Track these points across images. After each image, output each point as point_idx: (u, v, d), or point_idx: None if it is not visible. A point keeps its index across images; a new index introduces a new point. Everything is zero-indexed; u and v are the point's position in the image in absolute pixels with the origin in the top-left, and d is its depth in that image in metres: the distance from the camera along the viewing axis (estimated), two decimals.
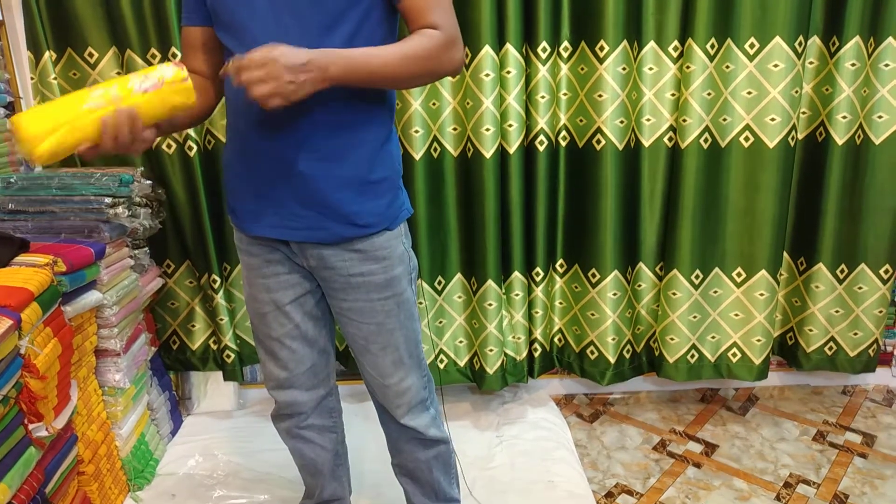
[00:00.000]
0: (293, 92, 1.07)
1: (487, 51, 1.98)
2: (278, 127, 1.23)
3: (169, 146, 2.10)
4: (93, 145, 1.09)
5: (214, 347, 2.31)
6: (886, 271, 2.20)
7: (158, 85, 1.13)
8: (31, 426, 1.51)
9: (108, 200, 1.85)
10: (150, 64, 2.02)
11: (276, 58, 1.05)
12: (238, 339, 2.31)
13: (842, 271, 2.22)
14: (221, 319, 2.24)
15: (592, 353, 2.30)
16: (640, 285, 2.23)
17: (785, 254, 2.26)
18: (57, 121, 1.06)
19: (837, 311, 2.26)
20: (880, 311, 2.24)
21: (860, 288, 2.22)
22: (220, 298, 2.22)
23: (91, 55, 2.06)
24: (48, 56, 2.05)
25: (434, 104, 2.08)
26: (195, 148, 2.09)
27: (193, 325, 2.31)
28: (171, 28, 1.98)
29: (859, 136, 2.09)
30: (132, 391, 1.98)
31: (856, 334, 2.27)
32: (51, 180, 1.88)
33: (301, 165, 1.23)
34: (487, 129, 2.04)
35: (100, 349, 1.87)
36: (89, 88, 1.10)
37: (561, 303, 2.30)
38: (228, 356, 2.28)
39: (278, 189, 1.27)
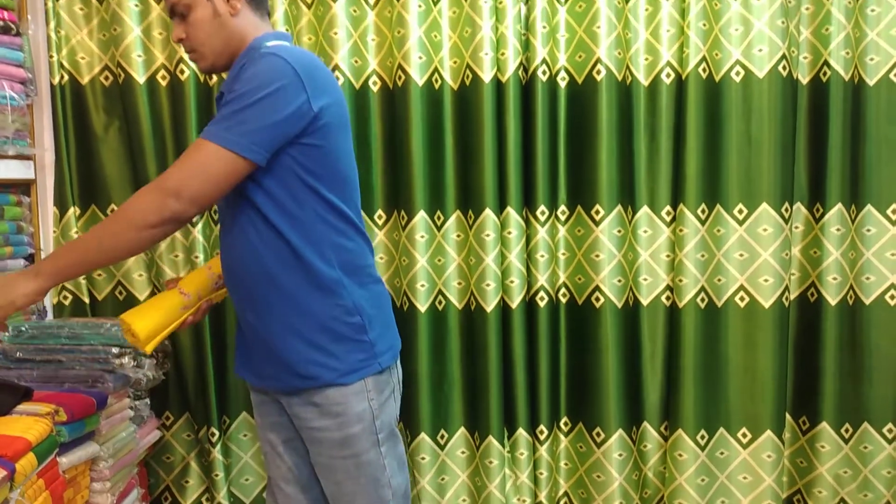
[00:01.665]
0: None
1: (489, 213, 2.09)
2: (228, 276, 1.35)
3: None
4: None
5: None
6: (890, 430, 2.17)
7: (220, 280, 1.45)
8: None
9: (115, 350, 1.87)
10: None
11: None
12: (232, 496, 2.23)
13: (846, 430, 2.19)
14: (217, 475, 2.19)
15: None
16: (645, 446, 2.19)
17: (787, 414, 2.24)
18: (163, 324, 1.38)
19: (846, 472, 2.20)
20: (888, 472, 2.18)
21: (865, 447, 2.18)
22: (216, 453, 2.18)
23: (113, 210, 2.17)
24: (72, 211, 2.16)
25: (439, 260, 2.16)
26: None
27: (187, 481, 2.24)
28: None
29: (851, 297, 2.15)
30: None
31: (866, 496, 2.20)
32: (61, 329, 1.92)
33: (248, 315, 1.33)
34: (488, 285, 2.11)
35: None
36: (178, 287, 1.42)
37: (566, 463, 2.25)
38: None
39: (247, 338, 1.37)
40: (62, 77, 2.14)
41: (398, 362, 1.42)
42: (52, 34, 2.11)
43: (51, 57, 2.12)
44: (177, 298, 1.40)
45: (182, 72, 2.09)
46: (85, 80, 2.15)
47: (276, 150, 1.21)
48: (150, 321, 1.36)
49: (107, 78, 2.16)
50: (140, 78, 2.11)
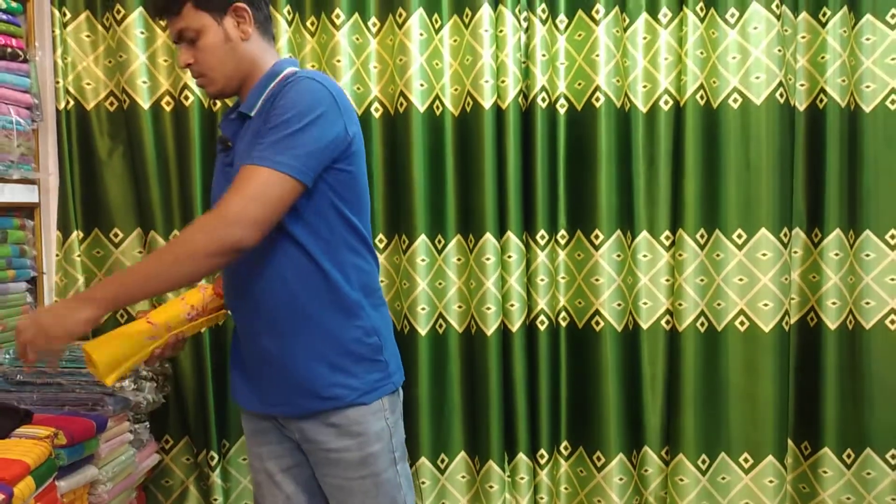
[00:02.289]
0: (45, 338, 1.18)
1: (489, 237, 2.11)
2: (245, 303, 1.32)
3: None
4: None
5: None
6: (893, 456, 2.16)
7: (203, 313, 1.39)
8: None
9: None
10: None
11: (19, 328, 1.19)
12: None
13: (848, 456, 2.18)
14: (216, 499, 2.17)
15: None
16: (646, 470, 2.18)
17: (788, 439, 2.23)
18: (125, 355, 1.28)
19: (849, 499, 2.19)
20: (893, 499, 2.17)
21: (868, 473, 2.17)
22: (216, 477, 2.17)
23: (116, 235, 2.19)
24: (76, 235, 2.18)
25: (440, 284, 2.17)
26: None
27: None
28: (195, 211, 2.12)
29: (851, 322, 2.15)
30: None
31: None
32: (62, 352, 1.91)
33: (264, 341, 1.30)
34: (489, 308, 2.11)
35: None
36: (146, 316, 1.33)
37: (567, 488, 2.24)
38: None
39: (254, 363, 1.34)
40: (68, 102, 2.16)
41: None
42: (59, 60, 2.14)
43: (57, 83, 2.15)
44: (143, 327, 1.32)
45: (186, 98, 2.12)
46: (90, 105, 2.18)
47: (318, 174, 1.23)
48: (112, 351, 1.27)
49: (112, 103, 2.19)
50: (145, 104, 2.14)
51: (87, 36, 2.17)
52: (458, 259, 2.16)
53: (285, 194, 1.19)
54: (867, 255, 2.12)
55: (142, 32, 2.13)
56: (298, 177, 1.19)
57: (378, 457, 1.31)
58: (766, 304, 2.11)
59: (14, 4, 2.00)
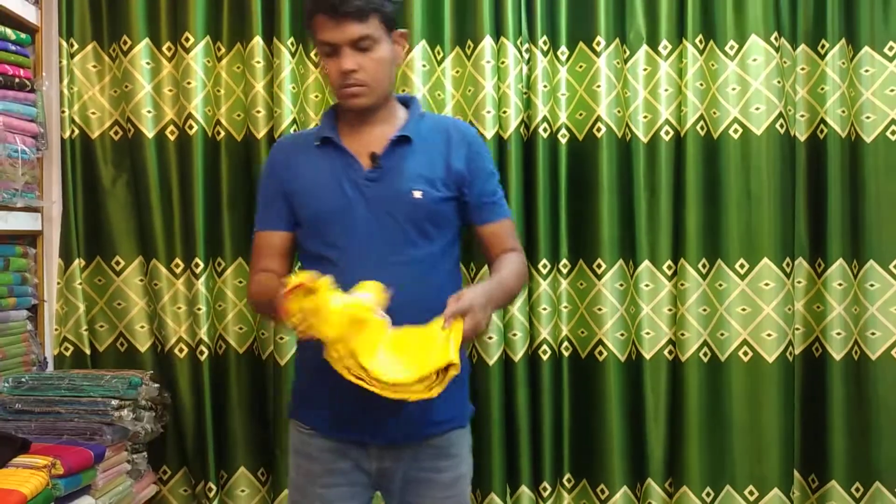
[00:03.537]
0: (484, 330, 1.26)
1: None
2: (413, 316, 1.26)
3: (181, 350, 2.15)
4: None
5: None
6: None
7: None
8: None
9: (114, 402, 1.87)
10: (172, 273, 2.15)
11: (476, 303, 1.22)
12: None
13: (857, 489, 2.14)
14: None
15: None
16: (650, 503, 2.15)
17: (795, 471, 2.20)
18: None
19: None
20: None
21: None
22: None
23: (118, 263, 2.19)
24: (77, 263, 2.18)
25: None
26: (206, 353, 2.14)
27: None
28: (197, 239, 2.13)
29: (856, 352, 2.13)
30: None
31: None
32: (61, 381, 1.92)
33: None
34: (491, 338, 2.10)
35: None
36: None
37: None
38: None
39: (359, 394, 1.21)
40: (73, 131, 2.18)
41: None
42: (65, 90, 2.17)
43: (62, 112, 2.17)
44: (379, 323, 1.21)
45: (191, 127, 2.14)
46: (95, 134, 2.20)
47: None
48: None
49: (116, 132, 2.21)
50: (149, 132, 2.16)
51: (94, 66, 2.20)
52: None
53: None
54: (871, 285, 2.11)
55: (147, 63, 2.16)
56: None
57: (465, 478, 1.42)
58: (769, 335, 2.10)
59: (23, 36, 2.03)
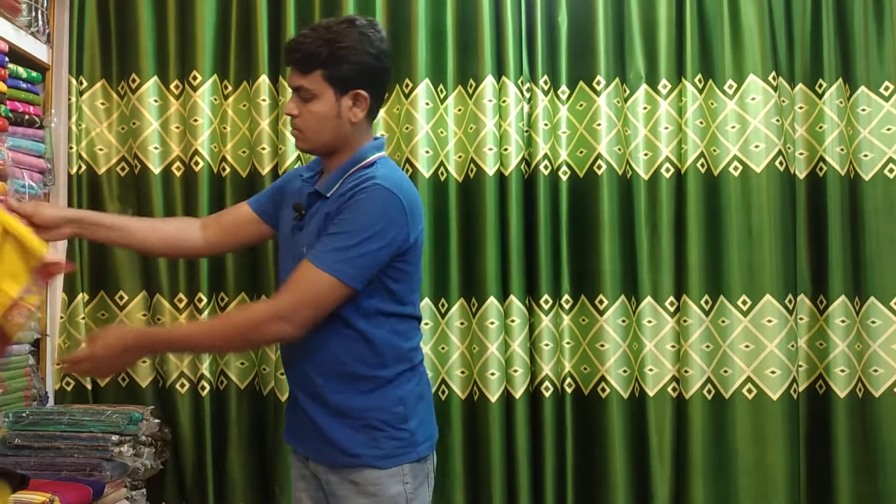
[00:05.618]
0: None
1: (492, 301, 2.10)
2: (294, 367, 1.40)
3: (182, 385, 2.15)
4: None
5: None
6: None
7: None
8: None
9: (114, 438, 1.86)
10: (176, 308, 2.15)
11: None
12: None
13: None
14: None
15: None
16: None
17: None
18: None
19: None
20: None
21: None
22: None
23: (122, 298, 2.20)
24: (81, 297, 2.18)
25: (443, 348, 2.16)
26: (207, 388, 2.13)
27: None
28: (201, 275, 2.14)
29: (860, 390, 2.12)
30: None
31: None
32: (61, 416, 1.91)
33: (301, 398, 1.38)
34: (492, 374, 2.09)
35: None
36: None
37: None
38: None
39: (297, 411, 1.40)
40: (80, 167, 2.21)
41: (434, 452, 1.44)
42: (74, 127, 2.20)
43: (70, 148, 2.20)
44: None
45: (196, 163, 2.17)
46: (102, 170, 2.22)
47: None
48: None
49: (123, 168, 2.23)
50: (155, 168, 2.18)
51: (102, 104, 2.24)
52: (461, 323, 2.16)
53: (339, 299, 1.29)
54: (873, 322, 2.10)
55: (155, 101, 2.20)
56: (354, 285, 1.28)
57: None
58: (773, 372, 2.09)
59: (34, 74, 2.07)
